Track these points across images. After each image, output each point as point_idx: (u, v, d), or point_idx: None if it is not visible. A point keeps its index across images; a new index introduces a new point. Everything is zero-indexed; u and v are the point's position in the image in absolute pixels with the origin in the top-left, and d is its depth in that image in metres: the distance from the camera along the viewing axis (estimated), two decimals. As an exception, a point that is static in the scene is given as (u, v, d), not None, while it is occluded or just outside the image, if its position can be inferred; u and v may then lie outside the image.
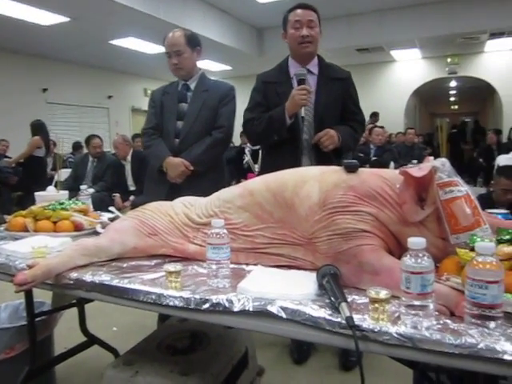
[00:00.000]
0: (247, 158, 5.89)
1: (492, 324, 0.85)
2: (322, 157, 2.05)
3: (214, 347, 1.66)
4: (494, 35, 8.43)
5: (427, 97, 15.21)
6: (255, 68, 10.50)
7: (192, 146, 2.30)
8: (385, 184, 1.20)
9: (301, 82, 2.05)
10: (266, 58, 9.35)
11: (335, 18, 7.73)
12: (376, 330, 0.91)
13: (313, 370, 2.29)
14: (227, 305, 1.09)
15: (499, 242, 1.03)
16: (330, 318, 0.98)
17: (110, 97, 10.32)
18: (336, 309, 0.99)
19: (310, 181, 1.31)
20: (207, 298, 1.12)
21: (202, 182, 2.23)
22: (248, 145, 6.19)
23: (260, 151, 6.06)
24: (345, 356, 2.29)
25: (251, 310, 1.06)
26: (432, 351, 0.87)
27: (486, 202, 2.95)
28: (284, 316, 1.02)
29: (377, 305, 0.94)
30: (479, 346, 0.83)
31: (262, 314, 1.05)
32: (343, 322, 0.94)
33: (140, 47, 8.16)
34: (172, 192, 2.15)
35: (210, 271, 1.20)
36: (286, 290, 1.10)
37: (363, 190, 1.20)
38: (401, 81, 10.68)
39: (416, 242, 0.90)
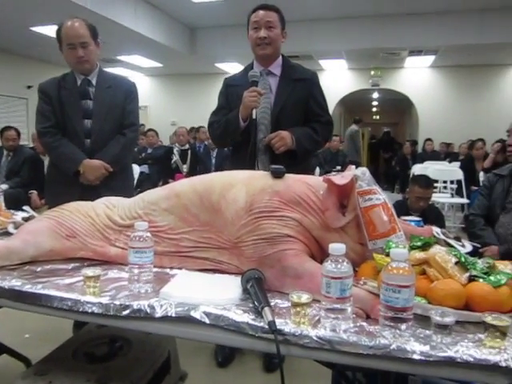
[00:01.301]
0: (175, 157, 5.79)
1: (403, 326, 0.90)
2: (277, 159, 2.00)
3: (134, 353, 1.61)
4: (413, 53, 9.05)
5: (352, 106, 15.95)
6: (186, 67, 10.49)
7: (106, 145, 2.22)
8: (309, 190, 1.23)
9: (252, 83, 2.02)
10: (198, 57, 9.28)
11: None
12: (297, 334, 0.93)
13: (236, 373, 2.30)
14: (149, 311, 1.06)
15: (412, 248, 1.10)
16: (253, 322, 0.98)
17: (29, 87, 9.65)
18: (259, 313, 0.99)
19: (237, 185, 1.31)
20: (128, 303, 1.08)
21: (113, 181, 2.20)
22: (177, 144, 6.08)
23: (189, 151, 6.01)
24: (268, 358, 2.31)
25: (174, 315, 1.04)
26: (349, 353, 0.91)
27: (402, 208, 3.15)
28: (207, 321, 1.01)
29: (298, 309, 0.96)
30: (391, 347, 0.88)
31: (185, 319, 1.03)
32: (266, 326, 0.95)
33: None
34: (86, 193, 2.04)
35: (131, 276, 1.16)
36: (210, 294, 1.09)
37: (288, 196, 1.22)
38: (328, 89, 10.94)
39: (336, 248, 0.94)
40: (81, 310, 1.11)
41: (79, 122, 2.20)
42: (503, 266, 1.05)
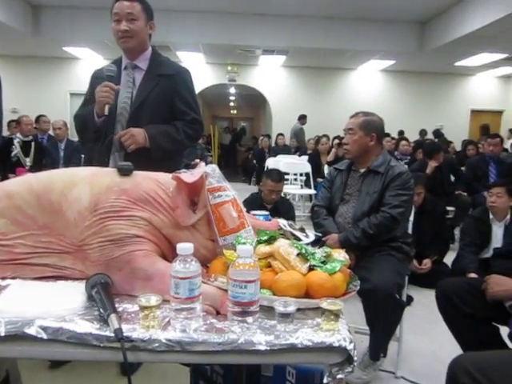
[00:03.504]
0: (16, 150, 5.17)
1: (250, 319, 0.94)
2: (132, 157, 1.87)
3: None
4: (267, 52, 9.53)
5: (210, 100, 16.19)
6: (29, 48, 9.40)
7: None
8: (159, 188, 1.19)
9: (107, 78, 1.90)
10: (43, 39, 8.40)
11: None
12: (145, 339, 0.90)
13: (92, 379, 2.16)
14: (-29, 331, 0.91)
15: (259, 242, 1.15)
16: (97, 332, 0.92)
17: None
18: (105, 321, 0.93)
19: (80, 183, 1.21)
20: None
21: None
22: (18, 135, 5.44)
23: (32, 143, 5.42)
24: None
25: (3, 334, 0.91)
26: (199, 352, 0.91)
27: (256, 200, 3.31)
28: (45, 337, 0.91)
29: (146, 312, 0.92)
30: (239, 341, 0.90)
31: (18, 337, 0.92)
32: (112, 335, 0.90)
33: None
34: None
35: None
36: (49, 305, 0.99)
37: (136, 194, 1.17)
38: (186, 82, 11.06)
39: (184, 247, 0.93)
40: None
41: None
42: (338, 253, 1.16)
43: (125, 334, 0.90)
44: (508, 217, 3.14)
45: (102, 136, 1.97)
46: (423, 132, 9.97)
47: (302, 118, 10.07)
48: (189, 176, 1.13)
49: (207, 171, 1.18)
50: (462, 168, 5.46)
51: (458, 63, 9.79)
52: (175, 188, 1.16)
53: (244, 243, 1.09)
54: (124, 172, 1.21)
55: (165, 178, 1.23)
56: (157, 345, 0.90)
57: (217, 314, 1.01)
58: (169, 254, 1.19)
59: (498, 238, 3.16)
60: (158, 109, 2.02)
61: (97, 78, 2.07)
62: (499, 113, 11.96)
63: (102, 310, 0.96)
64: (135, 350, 0.90)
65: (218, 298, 1.01)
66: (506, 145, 8.23)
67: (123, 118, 1.99)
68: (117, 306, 1.02)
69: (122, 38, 1.97)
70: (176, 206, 1.15)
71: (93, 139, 2.02)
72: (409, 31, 8.80)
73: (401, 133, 9.50)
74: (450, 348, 1.89)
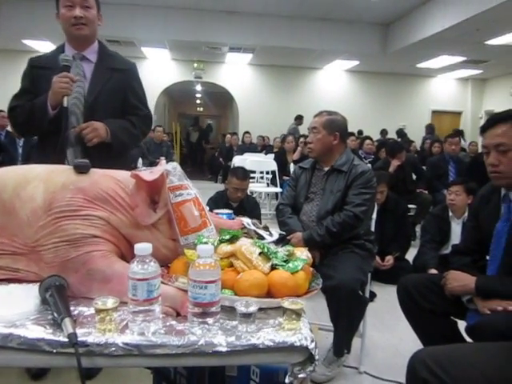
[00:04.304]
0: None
1: (211, 320, 0.92)
2: (89, 152, 1.85)
3: None
4: (233, 49, 9.49)
5: (176, 97, 15.98)
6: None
7: None
8: (117, 186, 1.16)
9: (64, 68, 1.81)
10: (2, 32, 8.07)
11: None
12: (101, 344, 0.87)
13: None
14: None
15: (221, 241, 1.13)
16: (50, 337, 0.88)
17: None
18: (59, 325, 0.89)
19: (33, 181, 1.16)
20: None
21: None
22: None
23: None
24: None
25: None
26: (159, 355, 0.88)
27: (222, 198, 3.28)
28: (-7, 344, 0.86)
29: (103, 315, 0.89)
30: (200, 343, 0.88)
31: (-39, 345, 0.86)
32: (66, 340, 0.86)
33: None
34: None
35: None
36: (-2, 310, 0.94)
37: (94, 193, 1.13)
38: (152, 79, 10.84)
39: (142, 247, 0.90)
40: None
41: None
42: (300, 252, 1.15)
43: (79, 339, 0.86)
44: (466, 214, 3.24)
45: (63, 129, 1.89)
46: (384, 132, 10.18)
47: (298, 119, 10.08)
48: (148, 174, 1.10)
49: (168, 169, 1.15)
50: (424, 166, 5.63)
51: (419, 65, 10.07)
52: (134, 186, 1.12)
53: (206, 243, 1.07)
54: (81, 170, 1.17)
55: (124, 176, 1.19)
56: (113, 349, 0.87)
57: (177, 316, 0.99)
58: (128, 255, 1.15)
59: (456, 234, 3.26)
60: (112, 103, 2.00)
61: (35, 66, 1.99)
62: (458, 114, 12.39)
63: (55, 314, 0.92)
64: (90, 355, 0.87)
65: (178, 299, 0.99)
66: (464, 145, 8.54)
67: (79, 110, 1.92)
68: (72, 309, 0.99)
69: (76, 25, 1.90)
70: (135, 204, 1.12)
71: (41, 132, 1.92)
72: (372, 33, 8.98)
73: (360, 132, 9.63)
74: (412, 342, 1.93)
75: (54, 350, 0.86)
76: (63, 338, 0.86)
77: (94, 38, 2.02)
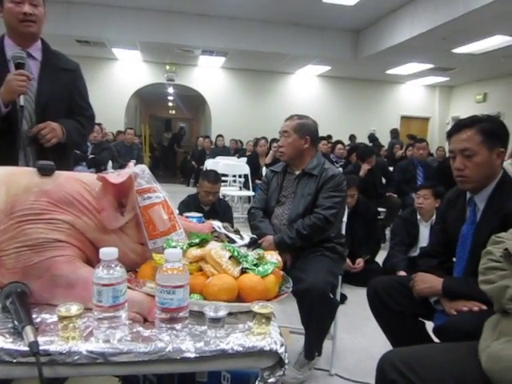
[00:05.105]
0: None
1: (179, 326, 0.90)
2: (43, 152, 1.82)
3: None
4: (206, 52, 9.46)
5: (148, 99, 15.77)
6: None
7: None
8: (83, 189, 1.12)
9: (19, 66, 1.77)
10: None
11: (54, 2, 7.10)
12: (64, 352, 0.84)
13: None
14: None
15: (190, 245, 1.11)
16: (10, 347, 0.84)
17: None
18: (20, 334, 0.86)
19: (-6, 184, 1.11)
20: None
21: None
22: None
23: None
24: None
25: None
26: (124, 363, 0.86)
27: (194, 201, 3.25)
28: None
29: (66, 322, 0.86)
30: (167, 349, 0.86)
31: None
32: (26, 349, 0.82)
33: None
34: None
35: None
36: (-46, 319, 0.89)
37: (58, 196, 1.09)
38: (123, 80, 10.72)
39: (107, 252, 0.87)
40: None
41: None
42: (270, 255, 1.15)
43: (41, 348, 0.83)
44: (434, 217, 3.32)
45: (20, 128, 1.83)
46: (352, 137, 10.32)
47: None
48: (116, 177, 1.07)
49: (136, 172, 1.13)
50: (391, 168, 5.74)
51: (389, 71, 10.28)
52: (101, 189, 1.09)
53: (174, 246, 1.05)
54: (45, 172, 1.13)
55: (89, 178, 1.16)
56: (77, 357, 0.84)
57: (144, 322, 0.96)
58: (94, 260, 1.11)
59: (424, 237, 3.34)
60: (61, 103, 2.01)
61: None
62: (426, 119, 12.72)
63: (16, 322, 0.88)
64: (53, 365, 0.84)
65: (146, 304, 0.96)
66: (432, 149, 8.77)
67: (30, 108, 1.88)
68: (35, 316, 0.95)
69: (25, 22, 1.85)
70: (102, 208, 1.09)
71: None
72: (344, 39, 9.13)
73: (329, 137, 9.72)
74: (382, 344, 1.96)
75: (14, 360, 0.83)
76: (24, 347, 0.83)
77: (40, 35, 1.99)
